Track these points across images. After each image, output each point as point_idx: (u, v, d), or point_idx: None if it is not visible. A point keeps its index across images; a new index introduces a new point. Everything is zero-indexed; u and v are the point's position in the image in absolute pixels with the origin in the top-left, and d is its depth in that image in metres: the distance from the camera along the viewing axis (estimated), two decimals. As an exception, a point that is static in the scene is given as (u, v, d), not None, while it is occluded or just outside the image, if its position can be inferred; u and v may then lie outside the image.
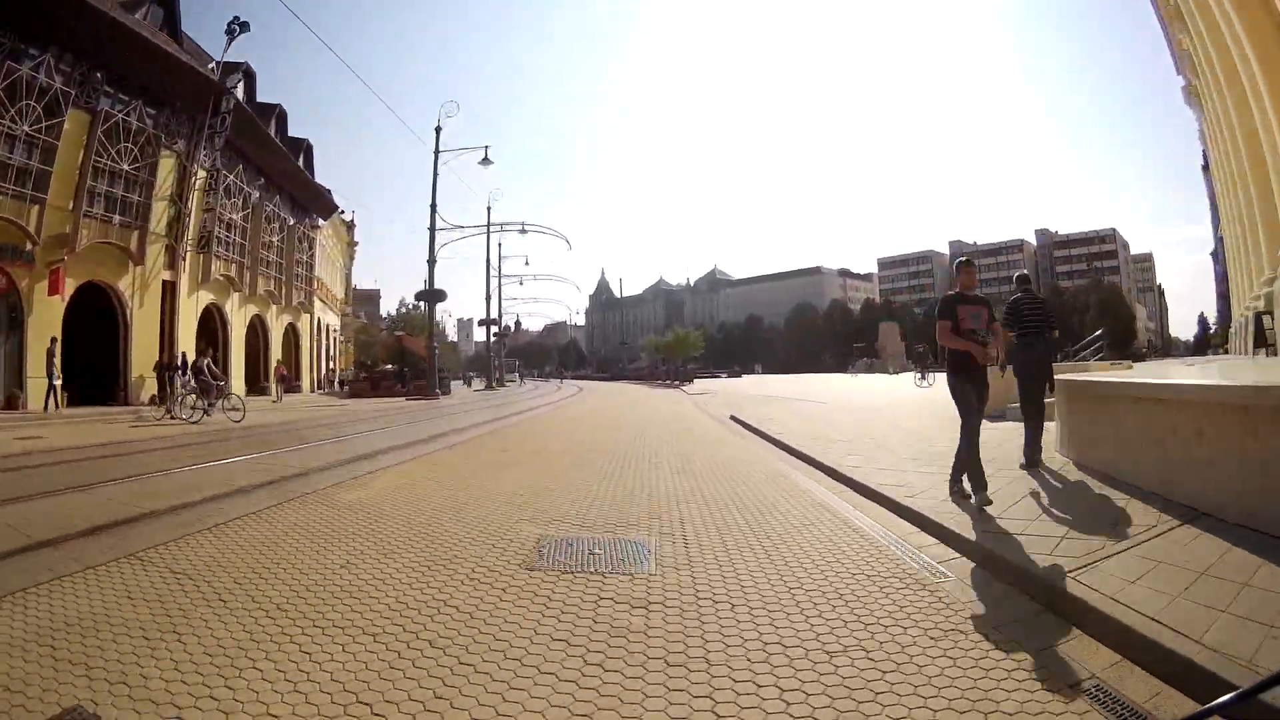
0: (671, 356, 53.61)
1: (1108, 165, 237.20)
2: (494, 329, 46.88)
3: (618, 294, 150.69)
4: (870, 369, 61.15)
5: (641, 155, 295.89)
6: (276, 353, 28.95)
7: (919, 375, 27.42)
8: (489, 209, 40.27)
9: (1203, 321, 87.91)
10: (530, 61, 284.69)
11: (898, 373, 51.53)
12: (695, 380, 47.08)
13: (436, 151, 29.51)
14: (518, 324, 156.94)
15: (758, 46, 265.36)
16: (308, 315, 32.57)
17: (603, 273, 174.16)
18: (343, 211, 43.03)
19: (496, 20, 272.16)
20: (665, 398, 26.87)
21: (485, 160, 31.07)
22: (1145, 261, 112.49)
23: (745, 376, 66.38)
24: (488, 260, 42.66)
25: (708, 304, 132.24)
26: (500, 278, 47.08)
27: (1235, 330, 35.40)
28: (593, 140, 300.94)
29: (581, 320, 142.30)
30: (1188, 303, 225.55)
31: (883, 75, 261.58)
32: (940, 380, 15.44)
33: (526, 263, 67.33)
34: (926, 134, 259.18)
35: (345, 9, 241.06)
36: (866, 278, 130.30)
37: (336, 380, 33.55)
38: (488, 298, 43.78)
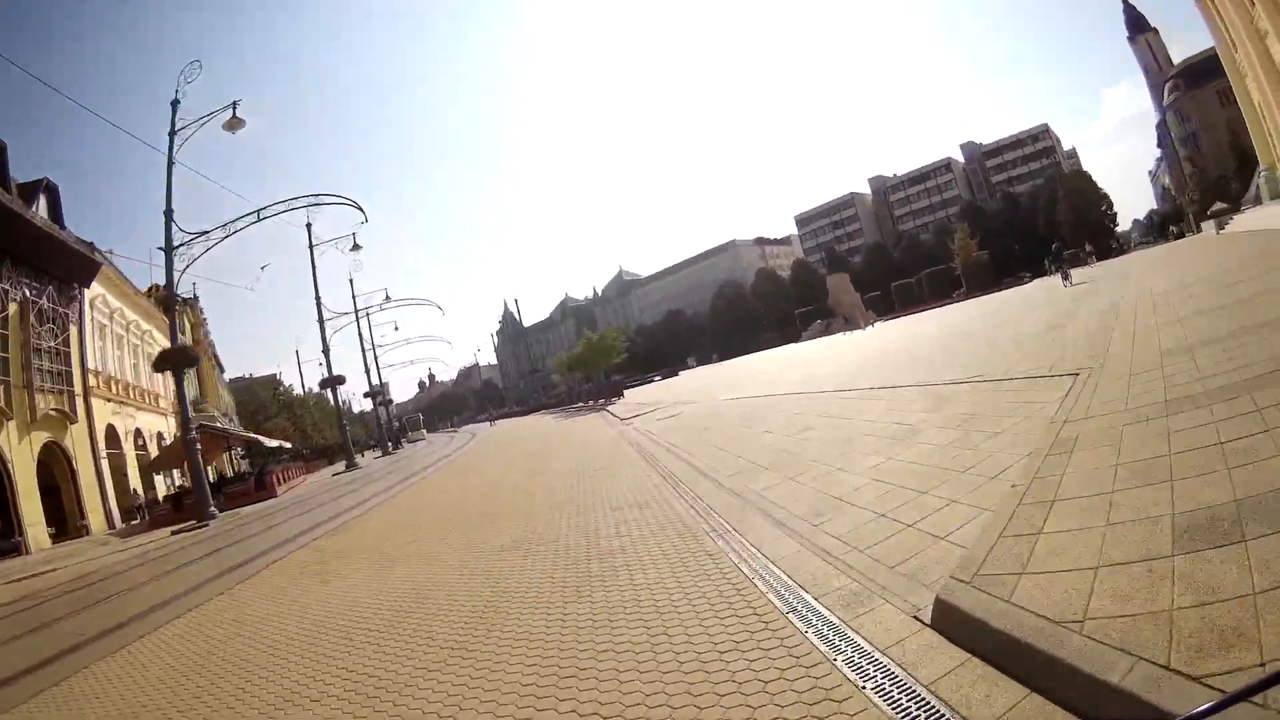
0: (591, 370, 47.12)
1: (1021, 66, 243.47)
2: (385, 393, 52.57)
3: (525, 322, 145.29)
4: (828, 330, 56.07)
5: (525, 175, 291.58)
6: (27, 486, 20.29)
7: (1062, 277, 26.94)
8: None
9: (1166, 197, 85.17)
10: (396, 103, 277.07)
11: (871, 324, 46.20)
12: (625, 392, 39.54)
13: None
14: (432, 378, 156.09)
15: (626, 27, 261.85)
16: (80, 425, 23.79)
17: (505, 304, 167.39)
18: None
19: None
20: (570, 440, 19.31)
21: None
22: (1072, 158, 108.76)
23: (682, 373, 61.36)
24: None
25: (620, 310, 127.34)
26: (375, 350, 51.03)
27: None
28: (473, 173, 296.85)
29: (495, 359, 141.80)
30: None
31: (758, 23, 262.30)
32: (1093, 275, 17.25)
33: (443, 309, 68.27)
34: (819, 75, 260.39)
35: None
36: (785, 241, 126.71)
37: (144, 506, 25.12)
38: (366, 370, 46.59)
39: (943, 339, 17.59)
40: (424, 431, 72.46)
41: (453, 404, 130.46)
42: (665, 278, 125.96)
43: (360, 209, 30.47)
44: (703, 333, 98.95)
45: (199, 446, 21.49)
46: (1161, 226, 80.00)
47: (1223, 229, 30.91)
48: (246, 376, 77.47)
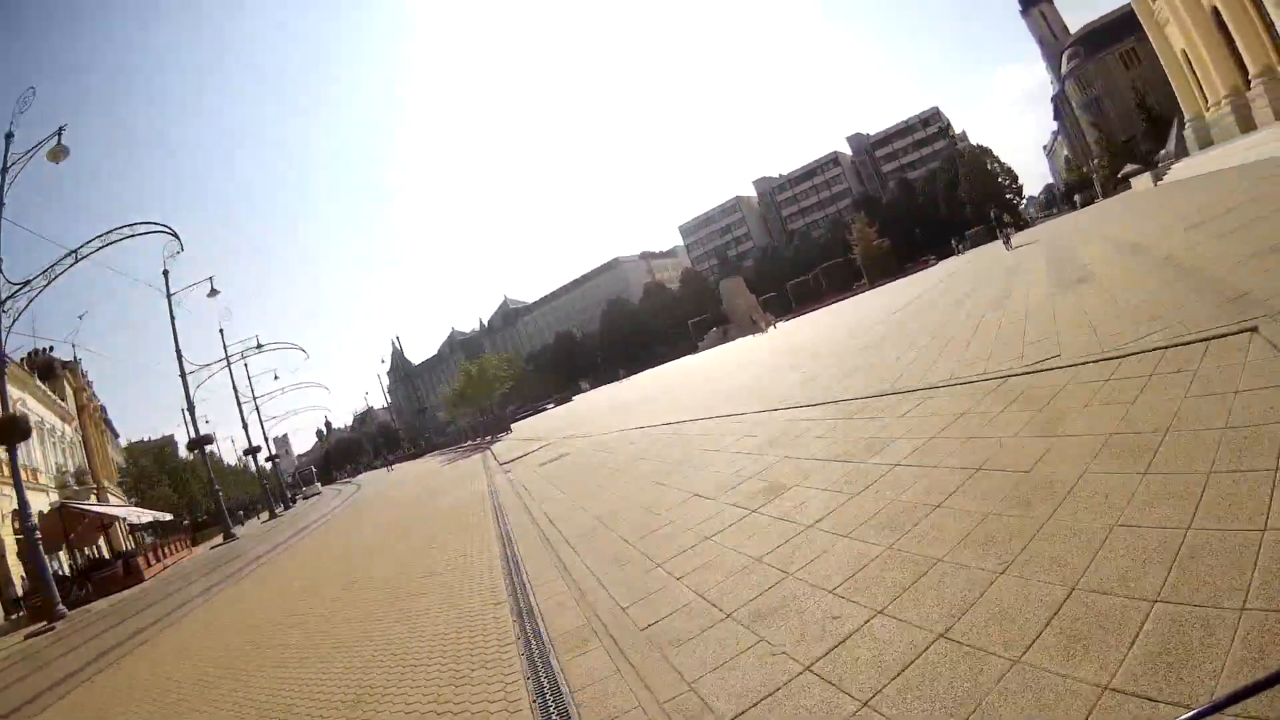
0: (478, 404, 43.16)
1: (908, 53, 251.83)
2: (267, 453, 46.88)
3: (414, 360, 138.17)
4: (726, 336, 54.16)
5: (403, 209, 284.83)
6: None
7: (1004, 241, 27.87)
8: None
9: (1069, 167, 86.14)
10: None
11: (773, 325, 43.75)
12: (514, 425, 36.24)
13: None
14: (329, 425, 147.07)
15: (498, 52, 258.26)
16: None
17: (394, 343, 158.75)
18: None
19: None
20: (429, 505, 15.63)
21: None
22: (963, 140, 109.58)
23: (576, 398, 59.42)
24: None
25: (508, 339, 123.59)
26: (256, 402, 47.92)
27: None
28: (351, 213, 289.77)
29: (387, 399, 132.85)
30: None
31: (631, 31, 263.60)
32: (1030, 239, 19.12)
33: (307, 352, 64.37)
34: (697, 82, 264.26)
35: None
36: (671, 253, 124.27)
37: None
38: (244, 424, 42.71)
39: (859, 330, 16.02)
40: (318, 485, 69.62)
41: (352, 450, 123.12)
42: (552, 302, 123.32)
43: (175, 236, 27.34)
44: (594, 353, 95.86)
45: (40, 536, 17.49)
46: (1066, 196, 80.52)
47: (1160, 180, 29.44)
48: (145, 439, 69.22)
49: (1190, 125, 32.89)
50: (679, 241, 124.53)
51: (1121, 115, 65.09)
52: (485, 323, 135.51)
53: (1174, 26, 30.77)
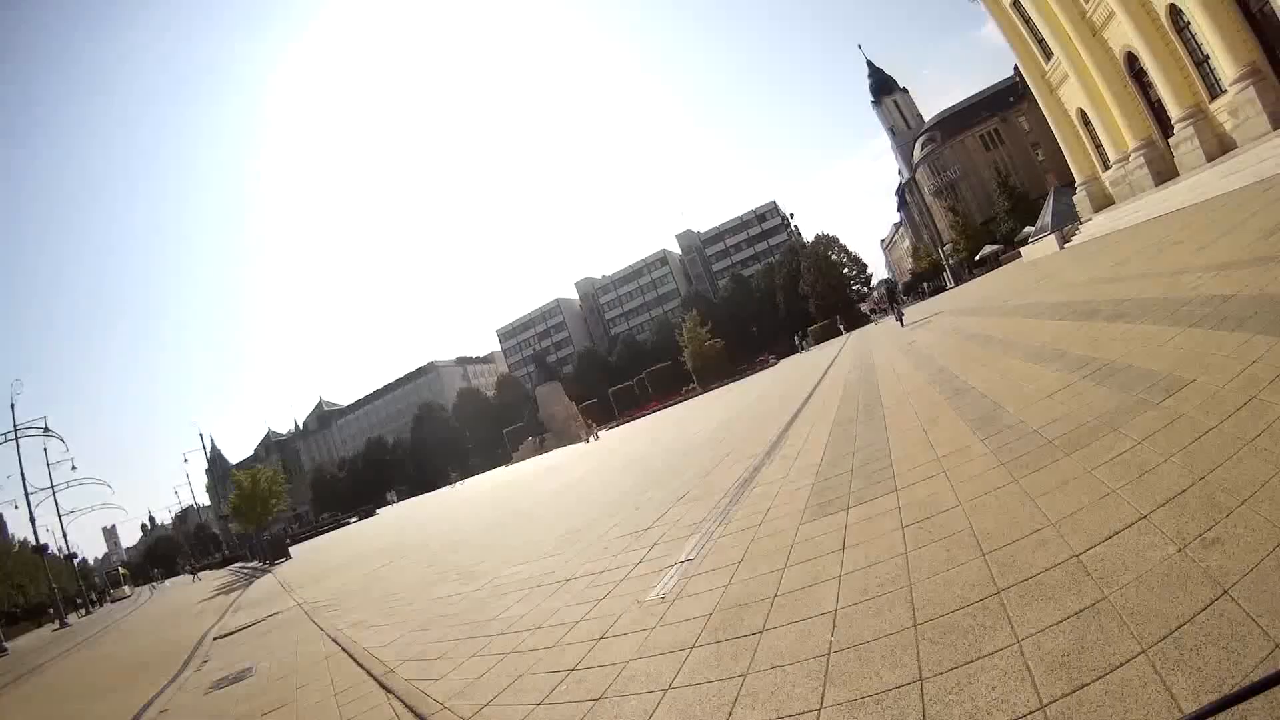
0: (258, 523, 37.24)
1: (748, 148, 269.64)
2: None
3: (232, 459, 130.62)
4: (542, 446, 52.14)
5: (221, 299, 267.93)
6: None
7: (897, 317, 26.60)
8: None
9: (915, 255, 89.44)
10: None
11: (594, 435, 41.05)
12: (296, 548, 33.02)
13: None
14: (152, 520, 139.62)
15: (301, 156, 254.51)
16: None
17: (211, 442, 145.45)
18: None
19: None
20: None
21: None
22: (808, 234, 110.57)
23: (381, 511, 56.93)
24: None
25: (323, 442, 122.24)
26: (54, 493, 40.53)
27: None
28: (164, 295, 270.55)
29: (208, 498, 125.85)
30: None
31: (458, 135, 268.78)
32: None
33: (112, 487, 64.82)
34: (521, 180, 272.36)
35: None
36: (489, 358, 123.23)
37: None
38: (32, 519, 37.30)
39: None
40: (126, 588, 64.77)
41: (172, 549, 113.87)
42: (367, 405, 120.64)
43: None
44: (403, 463, 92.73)
45: None
46: (910, 288, 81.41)
47: (1068, 241, 27.40)
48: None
49: (1084, 189, 31.75)
50: (498, 346, 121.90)
51: (980, 197, 67.87)
52: (300, 424, 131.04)
53: (1072, 84, 29.66)
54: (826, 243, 76.40)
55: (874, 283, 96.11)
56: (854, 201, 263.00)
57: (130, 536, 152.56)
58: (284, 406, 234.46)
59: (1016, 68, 64.71)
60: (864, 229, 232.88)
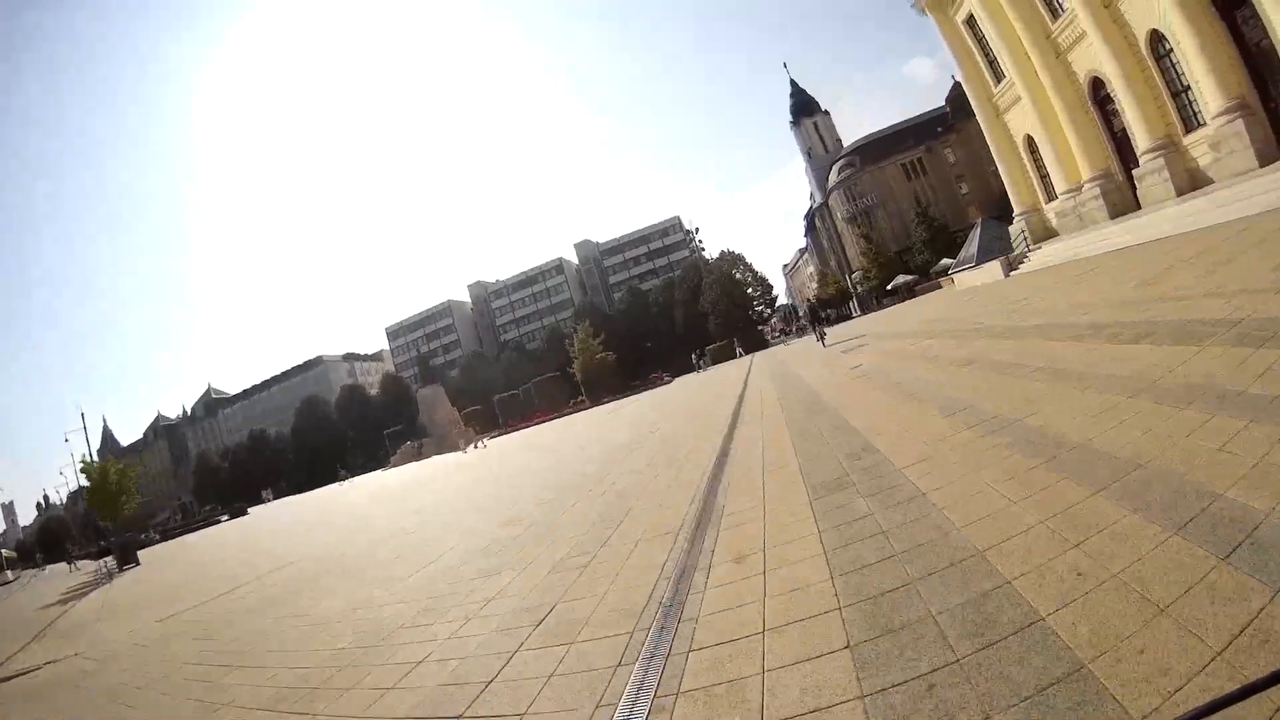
0: (111, 517, 34.34)
1: (656, 164, 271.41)
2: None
3: (123, 441, 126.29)
4: (420, 452, 50.14)
5: (111, 272, 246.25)
6: None
7: (818, 337, 25.07)
8: None
9: (822, 281, 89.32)
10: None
11: (473, 445, 39.66)
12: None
13: None
14: (47, 500, 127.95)
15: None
16: None
17: (104, 422, 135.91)
18: None
19: None
20: None
21: None
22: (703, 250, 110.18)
23: (255, 510, 53.78)
24: None
25: (210, 430, 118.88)
26: None
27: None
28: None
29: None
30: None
31: (358, 125, 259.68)
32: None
33: None
34: (421, 176, 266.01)
35: None
36: (378, 356, 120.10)
37: None
38: None
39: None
40: (9, 573, 59.60)
41: (63, 532, 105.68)
42: (254, 395, 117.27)
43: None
44: (284, 457, 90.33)
45: None
46: (813, 314, 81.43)
47: (1015, 269, 26.14)
48: None
49: (1023, 219, 31.01)
50: (387, 345, 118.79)
51: (896, 226, 68.41)
52: (188, 410, 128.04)
53: (1023, 109, 28.72)
54: (731, 260, 75.16)
55: (778, 305, 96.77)
56: (760, 225, 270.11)
57: (28, 514, 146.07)
58: (178, 389, 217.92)
59: (952, 94, 67.02)
60: (767, 253, 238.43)
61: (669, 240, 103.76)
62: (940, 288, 47.06)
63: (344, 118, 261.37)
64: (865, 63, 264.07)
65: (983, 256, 40.35)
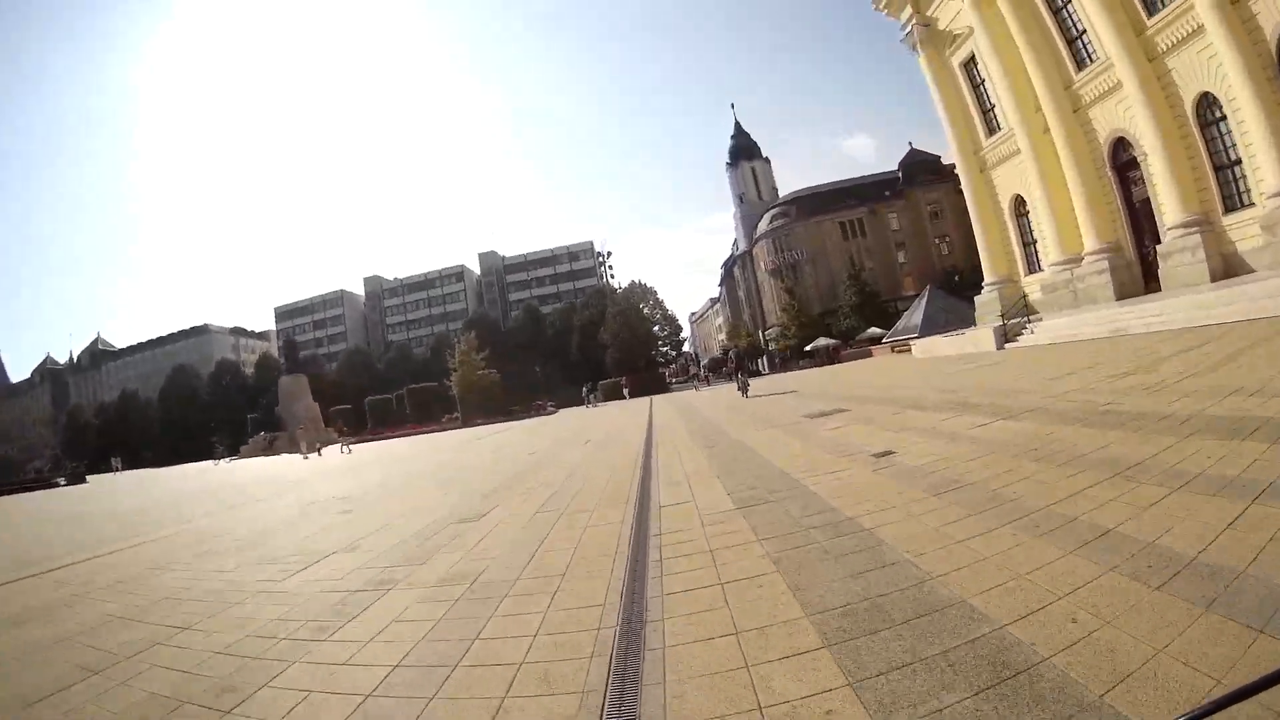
0: None
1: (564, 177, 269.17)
2: None
3: (14, 378, 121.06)
4: (272, 447, 46.02)
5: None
6: None
7: (740, 386, 24.06)
8: None
9: (731, 334, 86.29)
10: None
11: (315, 450, 33.96)
12: None
13: None
14: None
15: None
16: None
17: None
18: None
19: None
20: None
21: None
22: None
23: (97, 478, 47.90)
24: None
25: (95, 382, 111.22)
26: None
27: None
28: None
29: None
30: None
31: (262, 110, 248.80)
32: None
33: None
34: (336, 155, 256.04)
35: None
36: (264, 336, 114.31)
37: None
38: None
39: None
40: None
41: None
42: (138, 353, 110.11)
43: None
44: (151, 426, 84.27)
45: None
46: (715, 366, 77.94)
47: (1012, 341, 22.60)
48: None
49: (995, 289, 28.52)
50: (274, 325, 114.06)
51: (824, 285, 66.56)
52: (75, 358, 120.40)
53: (1016, 166, 26.41)
54: (641, 292, 71.49)
55: (686, 348, 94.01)
56: (675, 268, 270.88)
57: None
58: (66, 328, 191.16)
59: (906, 160, 66.72)
60: (678, 299, 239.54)
61: (578, 265, 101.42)
62: (871, 355, 44.83)
63: (272, 79, 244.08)
64: (809, 129, 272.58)
65: (927, 327, 38.32)
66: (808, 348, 58.30)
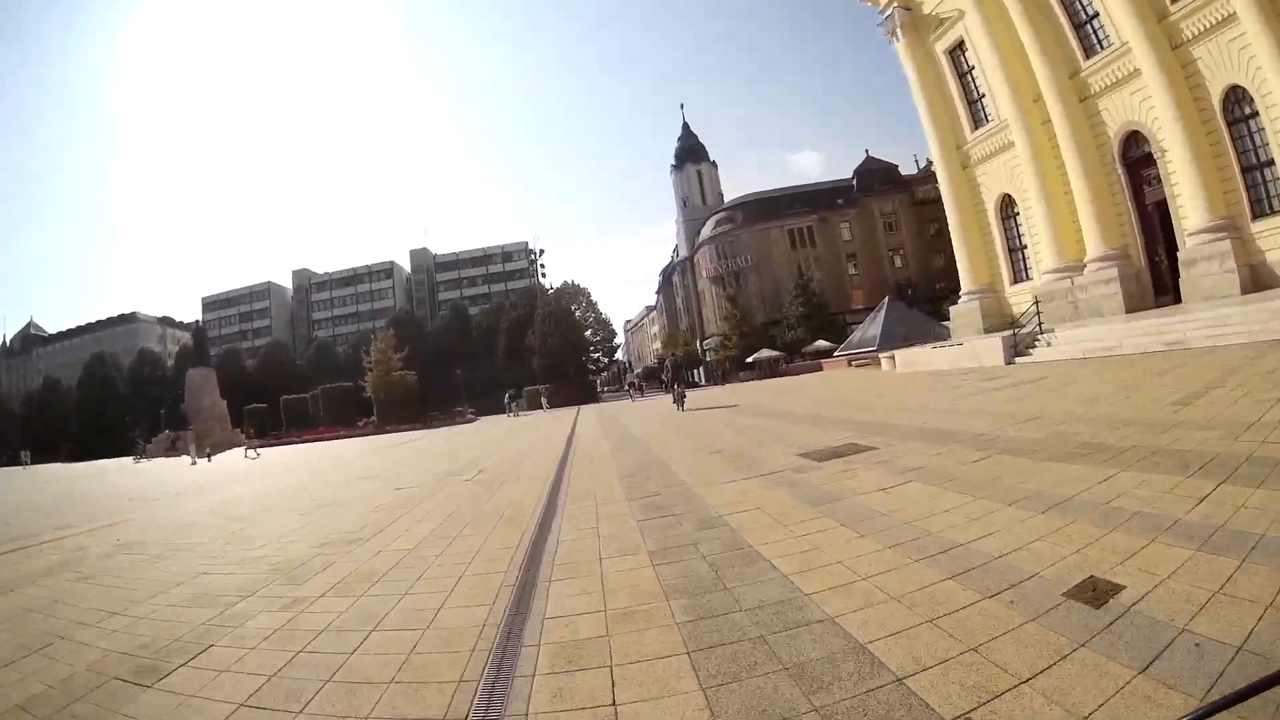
0: None
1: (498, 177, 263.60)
2: None
3: None
4: (174, 447, 43.29)
5: None
6: None
7: (676, 399, 22.60)
8: None
9: (680, 338, 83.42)
10: None
11: (204, 454, 31.76)
12: None
13: None
14: None
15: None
16: None
17: None
18: None
19: None
20: None
21: None
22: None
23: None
24: None
25: (23, 369, 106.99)
26: None
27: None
28: None
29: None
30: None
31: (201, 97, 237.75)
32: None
33: None
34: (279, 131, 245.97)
35: None
36: (190, 327, 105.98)
37: None
38: None
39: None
40: None
41: None
42: (68, 340, 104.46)
43: None
44: (70, 419, 79.50)
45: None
46: (651, 375, 76.26)
47: (1023, 355, 19.98)
48: None
49: (974, 300, 26.63)
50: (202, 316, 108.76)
51: (769, 295, 64.48)
52: (6, 341, 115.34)
53: (1006, 163, 24.64)
54: (573, 294, 68.41)
55: (619, 355, 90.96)
56: (613, 275, 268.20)
57: None
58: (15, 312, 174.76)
59: (861, 169, 65.40)
60: (613, 308, 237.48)
61: (512, 265, 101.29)
62: (821, 369, 42.81)
63: (209, 64, 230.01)
64: (757, 143, 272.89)
65: (886, 340, 36.42)
66: (750, 359, 56.25)
